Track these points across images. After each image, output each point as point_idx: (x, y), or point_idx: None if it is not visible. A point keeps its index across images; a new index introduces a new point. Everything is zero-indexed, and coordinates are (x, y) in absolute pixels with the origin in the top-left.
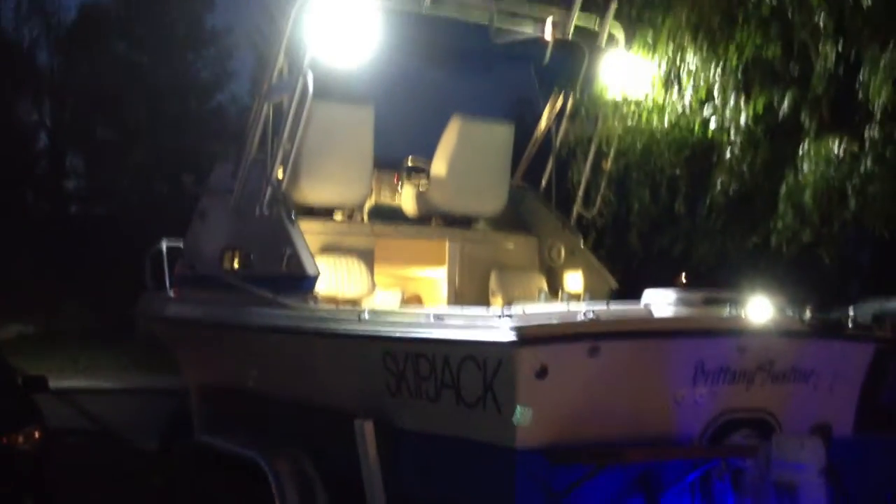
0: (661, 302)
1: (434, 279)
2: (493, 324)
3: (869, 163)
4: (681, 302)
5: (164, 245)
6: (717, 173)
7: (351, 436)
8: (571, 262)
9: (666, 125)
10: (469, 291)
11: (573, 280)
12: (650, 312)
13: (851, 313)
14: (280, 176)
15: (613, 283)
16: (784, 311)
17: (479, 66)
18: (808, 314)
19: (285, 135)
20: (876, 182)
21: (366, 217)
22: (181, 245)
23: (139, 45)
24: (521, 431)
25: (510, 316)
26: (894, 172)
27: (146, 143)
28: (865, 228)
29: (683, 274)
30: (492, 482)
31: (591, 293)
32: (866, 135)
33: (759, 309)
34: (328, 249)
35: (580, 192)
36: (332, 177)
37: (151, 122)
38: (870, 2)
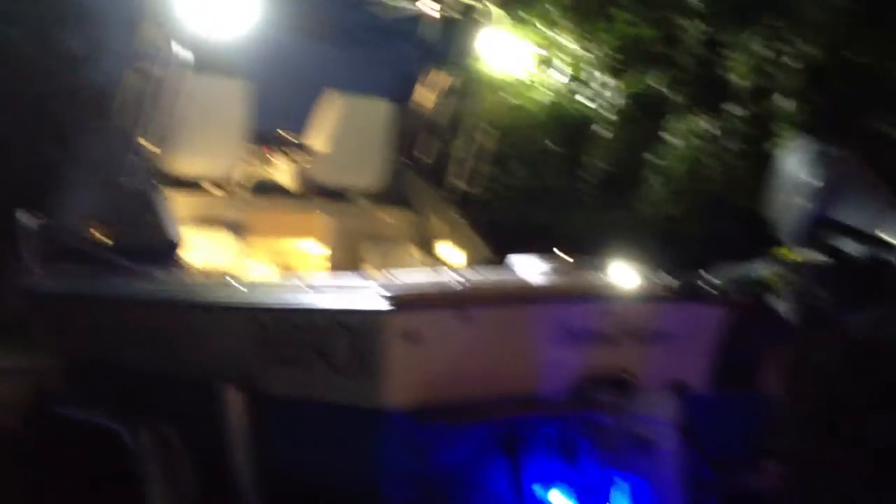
0: (529, 268)
1: (308, 251)
2: (363, 291)
3: (734, 141)
4: (548, 268)
5: (24, 218)
6: (591, 149)
7: (218, 405)
8: (449, 236)
9: (543, 102)
10: (344, 264)
11: (450, 253)
12: (518, 278)
13: (708, 278)
14: (147, 146)
15: (489, 255)
16: (646, 276)
17: (362, 42)
18: (667, 279)
19: (153, 105)
20: (740, 158)
21: (237, 188)
22: (45, 218)
23: (6, 18)
24: (390, 394)
25: (380, 283)
26: (757, 149)
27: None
28: (728, 203)
29: (555, 249)
30: (360, 443)
31: (467, 265)
32: (732, 113)
33: (623, 275)
34: (198, 221)
35: (459, 168)
36: (202, 149)
37: (18, 94)
38: None
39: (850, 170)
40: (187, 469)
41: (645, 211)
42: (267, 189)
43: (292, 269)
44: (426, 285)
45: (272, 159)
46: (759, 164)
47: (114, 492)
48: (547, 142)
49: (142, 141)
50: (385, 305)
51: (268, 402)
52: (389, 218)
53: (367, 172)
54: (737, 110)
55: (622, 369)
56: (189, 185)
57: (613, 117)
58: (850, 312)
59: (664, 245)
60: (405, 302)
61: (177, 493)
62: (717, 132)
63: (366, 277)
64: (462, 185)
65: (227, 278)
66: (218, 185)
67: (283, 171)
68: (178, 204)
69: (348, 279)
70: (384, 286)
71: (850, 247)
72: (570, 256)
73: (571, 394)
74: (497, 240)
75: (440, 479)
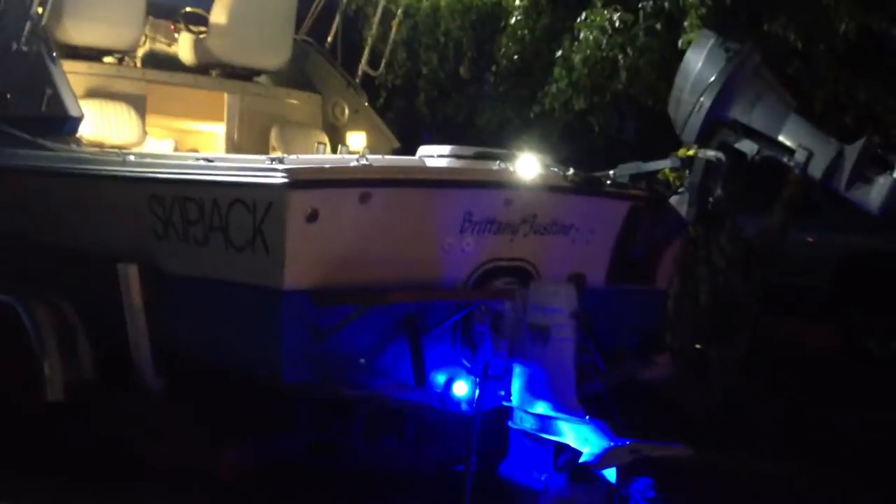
0: (434, 156)
1: (211, 132)
2: (264, 168)
3: (641, 35)
4: (453, 156)
5: None
6: (501, 39)
7: (115, 281)
8: (355, 121)
9: None
10: (248, 146)
11: (356, 139)
12: (423, 163)
13: (610, 173)
14: (41, 12)
15: (396, 143)
16: (549, 168)
17: None
18: (570, 171)
19: None
20: (646, 54)
21: (139, 63)
22: None
23: None
24: (288, 273)
25: (281, 160)
26: (663, 45)
27: None
28: (634, 101)
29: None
30: (259, 322)
31: (374, 152)
32: (640, 6)
33: (527, 165)
34: (95, 93)
35: (366, 52)
36: (100, 17)
37: None
38: None
39: (751, 70)
40: (84, 345)
41: (550, 103)
42: (170, 65)
43: (194, 148)
44: (327, 165)
45: (177, 35)
46: (666, 61)
47: (9, 367)
48: (458, 31)
49: (39, 9)
50: (284, 182)
51: (165, 279)
52: (296, 101)
53: (271, 51)
54: (648, 3)
55: (524, 259)
56: (88, 56)
57: (525, 6)
58: (743, 211)
59: (569, 140)
60: (304, 180)
61: (73, 369)
62: (624, 26)
63: (269, 159)
64: (371, 71)
65: (125, 152)
66: (119, 58)
67: (187, 49)
68: (76, 75)
69: (249, 159)
70: (284, 165)
71: (748, 147)
72: (477, 148)
73: (471, 281)
74: (405, 129)
75: (338, 361)
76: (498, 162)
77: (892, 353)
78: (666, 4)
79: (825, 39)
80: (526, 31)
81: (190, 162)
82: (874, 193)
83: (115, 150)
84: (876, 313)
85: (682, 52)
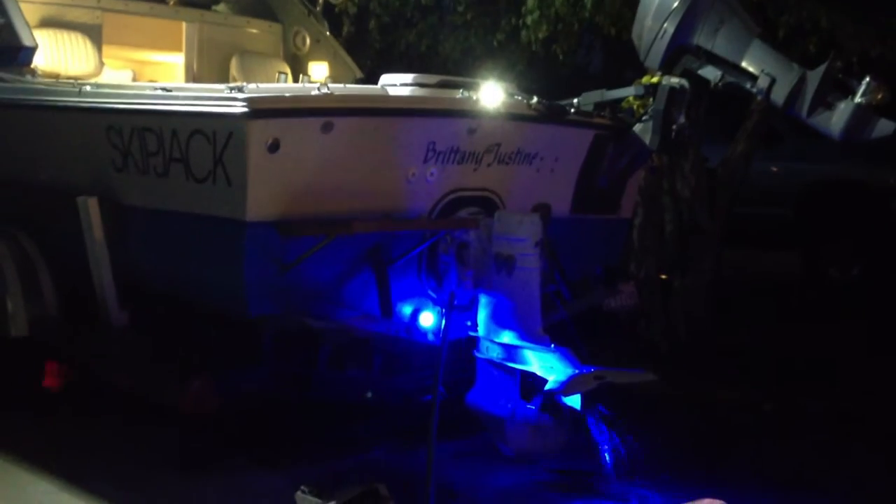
0: (396, 85)
1: (170, 63)
2: (223, 97)
3: None
4: (416, 84)
5: None
6: None
7: (75, 214)
8: (316, 51)
9: None
10: (208, 76)
11: (318, 69)
12: (385, 92)
13: (574, 102)
14: None
15: (359, 73)
16: (513, 96)
17: None
18: (534, 100)
19: None
20: None
21: None
22: None
23: None
24: (251, 204)
25: (241, 89)
26: None
27: None
28: (598, 30)
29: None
30: (222, 255)
31: (336, 82)
32: None
33: (491, 94)
34: (49, 23)
35: None
36: None
37: None
38: None
39: None
40: (46, 281)
41: (530, 38)
42: None
43: (152, 79)
44: (287, 94)
45: None
46: None
47: None
48: None
49: None
50: (244, 112)
51: (126, 212)
52: (256, 30)
53: None
54: None
55: (488, 189)
56: None
57: None
58: (707, 140)
59: (533, 69)
60: (264, 109)
61: (36, 304)
62: None
63: (228, 88)
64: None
65: (81, 83)
66: None
67: None
68: (29, 4)
69: (208, 88)
70: (244, 94)
71: (712, 73)
72: (440, 76)
73: (436, 212)
74: (369, 62)
75: (303, 293)
76: (461, 91)
77: (853, 278)
78: None
79: None
80: None
81: (147, 92)
82: (835, 119)
83: (71, 81)
84: (837, 240)
85: None
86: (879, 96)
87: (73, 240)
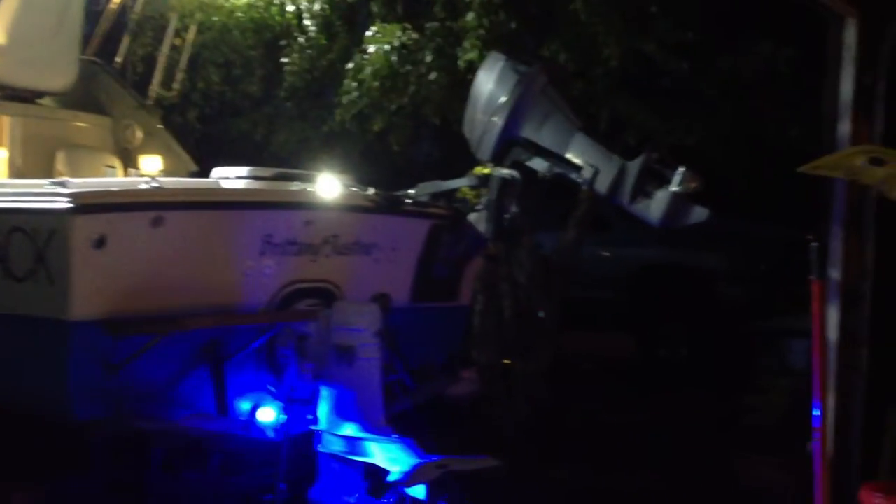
0: (230, 177)
1: None
2: (44, 192)
3: (428, 55)
4: (251, 177)
5: None
6: (292, 57)
7: None
8: (148, 144)
9: (243, 3)
10: (32, 171)
11: (149, 162)
12: (218, 185)
13: (409, 192)
14: None
15: (193, 167)
16: (349, 187)
17: None
18: (371, 191)
19: None
20: (433, 72)
21: None
22: None
23: None
24: (75, 303)
25: (64, 184)
26: (451, 64)
27: None
28: (428, 122)
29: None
30: (45, 357)
31: (169, 175)
32: (427, 27)
33: (327, 185)
34: None
35: (158, 72)
36: None
37: None
38: None
39: (538, 90)
40: None
41: (343, 117)
42: None
43: None
44: (114, 188)
45: None
46: (455, 81)
47: None
48: (247, 48)
49: None
50: (67, 207)
51: None
52: (84, 124)
53: (55, 71)
54: (435, 24)
55: (327, 280)
56: None
57: (316, 24)
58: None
59: (367, 159)
60: (89, 204)
61: None
62: (411, 43)
63: (51, 183)
64: (164, 92)
65: None
66: None
67: None
68: None
69: (28, 183)
70: (67, 189)
71: (540, 164)
72: (274, 168)
73: (274, 305)
74: (201, 151)
75: (134, 394)
76: (297, 182)
77: (681, 358)
78: (450, 24)
79: (600, 62)
80: (313, 52)
81: None
82: (654, 206)
83: None
84: (665, 322)
85: (469, 72)
86: (693, 185)
87: None
